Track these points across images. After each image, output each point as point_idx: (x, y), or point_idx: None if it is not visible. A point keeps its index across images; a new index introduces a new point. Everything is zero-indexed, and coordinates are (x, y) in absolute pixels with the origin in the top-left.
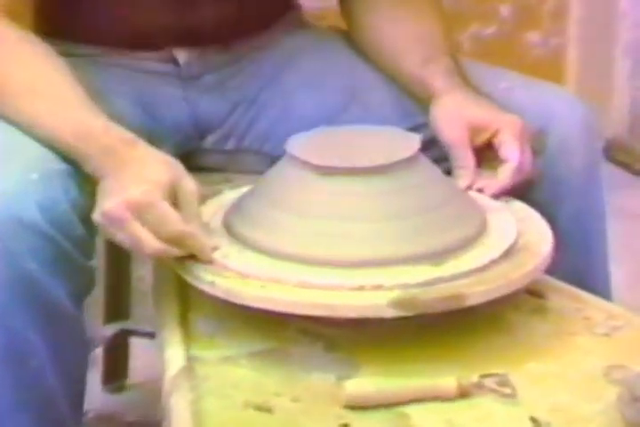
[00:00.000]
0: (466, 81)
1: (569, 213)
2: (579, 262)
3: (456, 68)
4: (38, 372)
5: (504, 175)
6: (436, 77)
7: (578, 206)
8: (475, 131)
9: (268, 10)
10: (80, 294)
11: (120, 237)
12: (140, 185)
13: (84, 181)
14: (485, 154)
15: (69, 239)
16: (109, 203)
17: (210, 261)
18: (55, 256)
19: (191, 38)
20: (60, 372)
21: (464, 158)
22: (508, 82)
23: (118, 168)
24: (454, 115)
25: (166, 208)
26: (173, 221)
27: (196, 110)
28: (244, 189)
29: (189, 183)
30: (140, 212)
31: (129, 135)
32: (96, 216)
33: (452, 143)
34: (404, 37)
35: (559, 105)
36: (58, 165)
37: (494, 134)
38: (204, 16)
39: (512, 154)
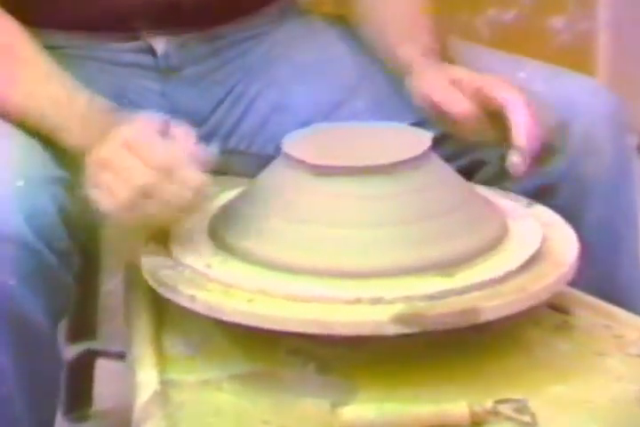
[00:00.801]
0: (448, 62)
1: (596, 218)
2: (608, 274)
3: (438, 49)
4: (5, 401)
5: (519, 137)
6: (412, 56)
7: (606, 211)
8: (460, 85)
9: None
10: (58, 312)
11: (106, 179)
12: (131, 125)
13: (73, 187)
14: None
15: (55, 252)
16: (106, 147)
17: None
18: (38, 270)
19: (168, 22)
20: (29, 401)
21: (453, 102)
22: (526, 71)
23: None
24: (434, 75)
25: (159, 140)
26: (167, 149)
27: (176, 106)
28: (232, 193)
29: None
30: (134, 147)
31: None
32: (91, 162)
33: (438, 94)
34: (382, 18)
35: (582, 94)
36: (45, 171)
37: (481, 89)
38: None
39: (517, 107)
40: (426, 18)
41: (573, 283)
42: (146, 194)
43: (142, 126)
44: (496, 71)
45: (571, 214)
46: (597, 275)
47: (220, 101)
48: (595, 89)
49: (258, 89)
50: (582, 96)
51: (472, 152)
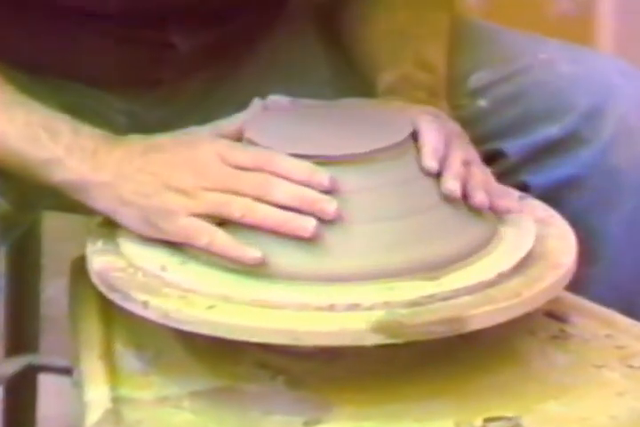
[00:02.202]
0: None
1: (624, 217)
2: (635, 284)
3: (414, 76)
4: None
5: (425, 159)
6: (380, 89)
7: (637, 209)
8: None
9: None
10: None
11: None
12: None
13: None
14: None
15: None
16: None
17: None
18: None
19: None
20: None
21: None
22: (548, 52)
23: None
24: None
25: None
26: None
27: (140, 127)
28: None
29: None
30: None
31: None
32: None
33: None
34: (368, 41)
35: (615, 77)
36: None
37: None
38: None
39: (421, 123)
40: (420, 34)
41: (581, 290)
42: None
43: (207, 141)
44: (515, 52)
45: (598, 211)
46: (622, 285)
47: (189, 114)
48: (627, 70)
49: (226, 91)
50: (615, 78)
51: (488, 142)
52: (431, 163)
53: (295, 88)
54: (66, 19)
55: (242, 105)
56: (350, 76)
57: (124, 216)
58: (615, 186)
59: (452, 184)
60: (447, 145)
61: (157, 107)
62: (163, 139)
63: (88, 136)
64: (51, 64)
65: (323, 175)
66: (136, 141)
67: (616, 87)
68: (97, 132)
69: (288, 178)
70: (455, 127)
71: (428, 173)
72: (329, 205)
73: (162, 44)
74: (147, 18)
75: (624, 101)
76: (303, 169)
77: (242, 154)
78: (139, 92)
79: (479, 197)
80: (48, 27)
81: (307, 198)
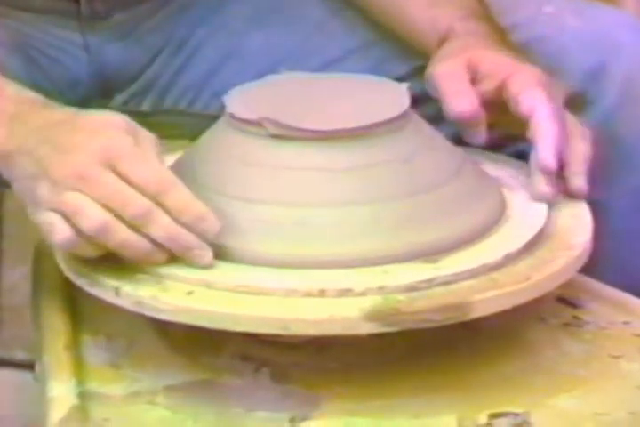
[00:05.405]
0: (496, 37)
1: (629, 190)
2: None
3: (483, 17)
4: None
5: (545, 161)
6: (451, 18)
7: None
8: (477, 72)
9: None
10: None
11: (76, 201)
12: (103, 131)
13: None
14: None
15: None
16: (79, 161)
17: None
18: None
19: None
20: None
21: (457, 97)
22: (553, 5)
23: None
24: (454, 53)
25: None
26: (154, 167)
27: (101, 62)
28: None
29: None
30: (117, 163)
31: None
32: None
33: (441, 78)
34: None
35: (623, 32)
36: None
37: (503, 86)
38: None
39: (536, 103)
40: None
41: (591, 272)
42: (136, 226)
43: (117, 134)
44: (516, 3)
45: (600, 183)
46: (636, 259)
47: (157, 52)
48: (637, 25)
49: (204, 34)
50: (623, 34)
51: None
52: (549, 160)
53: (279, 33)
54: None
55: (220, 49)
56: (344, 18)
57: (15, 192)
58: (619, 155)
59: (543, 188)
60: (566, 136)
61: (113, 41)
62: (84, 117)
63: (12, 98)
64: None
65: (212, 225)
66: (60, 111)
67: (623, 44)
68: (27, 94)
69: (175, 214)
70: (556, 92)
71: (545, 171)
72: (203, 258)
73: None
74: None
75: (631, 60)
76: (194, 212)
77: (140, 168)
78: (92, 25)
79: (577, 183)
80: None
81: (182, 242)
